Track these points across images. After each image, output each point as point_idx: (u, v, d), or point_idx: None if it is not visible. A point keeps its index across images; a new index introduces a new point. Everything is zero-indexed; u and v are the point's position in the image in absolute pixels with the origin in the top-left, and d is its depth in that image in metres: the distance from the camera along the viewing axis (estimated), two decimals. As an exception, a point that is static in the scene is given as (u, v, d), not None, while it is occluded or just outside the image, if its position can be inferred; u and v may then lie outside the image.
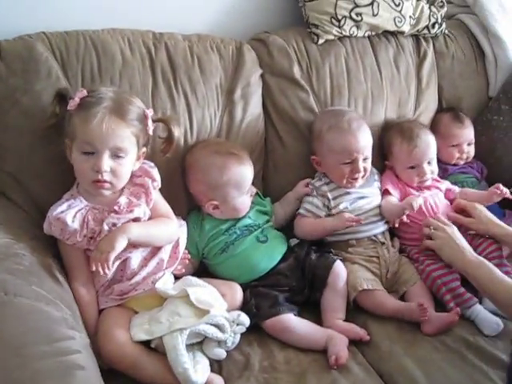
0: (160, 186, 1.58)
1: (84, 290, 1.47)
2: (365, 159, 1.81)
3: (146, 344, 1.42)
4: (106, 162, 1.40)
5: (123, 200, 1.50)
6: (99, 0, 1.76)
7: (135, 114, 1.46)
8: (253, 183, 1.80)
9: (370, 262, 1.78)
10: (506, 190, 1.90)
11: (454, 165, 2.12)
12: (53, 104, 1.47)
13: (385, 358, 1.55)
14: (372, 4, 1.94)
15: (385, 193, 1.91)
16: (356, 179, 1.81)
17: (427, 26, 2.08)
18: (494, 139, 2.13)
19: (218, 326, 1.46)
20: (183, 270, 1.61)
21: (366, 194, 1.85)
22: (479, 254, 1.72)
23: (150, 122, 1.51)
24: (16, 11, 1.68)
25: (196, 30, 1.87)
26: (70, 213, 1.44)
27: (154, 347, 1.41)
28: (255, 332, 1.59)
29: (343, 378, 1.47)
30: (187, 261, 1.64)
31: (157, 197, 1.58)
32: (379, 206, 1.85)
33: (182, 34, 1.81)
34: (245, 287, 1.67)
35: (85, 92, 1.44)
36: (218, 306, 1.49)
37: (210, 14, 1.95)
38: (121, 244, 1.40)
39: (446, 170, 2.10)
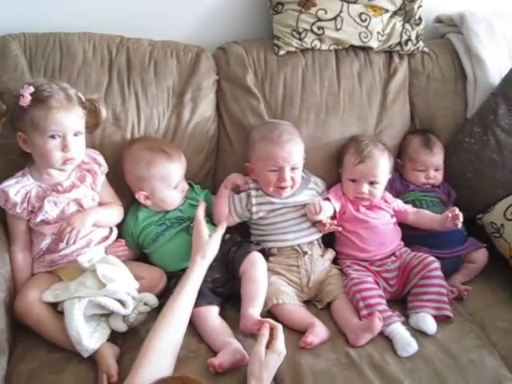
0: (107, 170, 1.80)
1: (21, 255, 1.72)
2: (293, 169, 1.87)
3: (55, 307, 1.61)
4: (72, 142, 1.65)
5: (66, 183, 1.72)
6: (86, 8, 1.99)
7: (77, 98, 1.69)
8: (204, 180, 1.98)
9: (289, 272, 1.84)
10: (460, 219, 1.87)
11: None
12: None
13: (284, 365, 1.57)
14: (335, 19, 1.99)
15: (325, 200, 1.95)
16: (283, 188, 1.87)
17: (399, 43, 2.08)
18: (465, 162, 2.09)
19: (121, 302, 1.61)
20: (123, 258, 1.78)
21: (293, 204, 1.91)
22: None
23: (84, 102, 1.72)
24: (5, 13, 1.93)
25: (171, 37, 2.03)
26: (15, 187, 1.68)
27: (59, 310, 1.60)
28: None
29: (231, 374, 1.54)
30: (122, 248, 1.82)
31: (105, 183, 1.81)
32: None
33: (151, 39, 1.97)
34: (173, 275, 1.80)
35: (31, 88, 1.65)
36: (121, 283, 1.63)
37: (186, 23, 2.11)
38: (90, 224, 1.69)
39: (407, 185, 2.10)
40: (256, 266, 1.76)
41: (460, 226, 1.88)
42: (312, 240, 1.90)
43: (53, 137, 1.63)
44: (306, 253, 1.87)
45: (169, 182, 1.81)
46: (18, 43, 1.84)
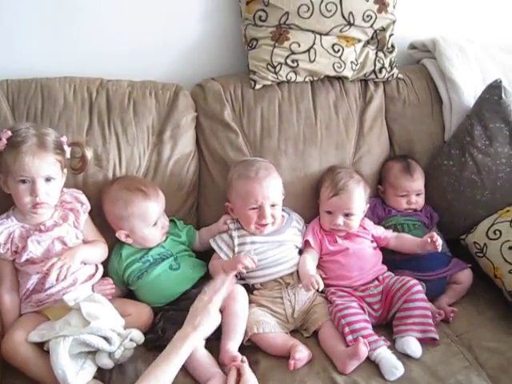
0: (89, 208, 1.84)
1: (8, 296, 1.75)
2: (273, 205, 1.90)
3: (41, 347, 1.64)
4: (42, 188, 1.68)
5: (49, 222, 1.77)
6: (67, 53, 2.06)
7: (54, 144, 1.74)
8: (187, 215, 2.01)
9: (273, 303, 1.86)
10: (438, 243, 1.90)
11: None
12: None
13: None
14: (309, 51, 2.04)
15: (305, 244, 1.99)
16: (264, 225, 1.90)
17: (374, 71, 2.13)
18: (445, 184, 2.12)
19: (106, 338, 1.63)
20: (110, 297, 1.81)
21: (275, 241, 1.94)
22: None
23: (65, 147, 1.78)
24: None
25: (150, 77, 2.08)
26: None
27: (46, 350, 1.62)
28: (160, 351, 1.71)
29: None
30: (110, 286, 1.84)
31: (89, 221, 1.85)
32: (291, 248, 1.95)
33: (130, 80, 2.03)
34: (159, 310, 1.84)
35: (9, 132, 1.71)
36: (106, 320, 1.65)
37: (165, 62, 2.16)
38: (79, 260, 1.74)
39: (389, 211, 2.12)
40: (237, 300, 1.78)
41: (440, 249, 1.90)
42: (294, 271, 1.92)
43: (23, 181, 1.67)
44: (288, 284, 1.89)
45: (147, 219, 1.85)
46: (0, 90, 1.90)
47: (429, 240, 1.90)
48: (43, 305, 1.74)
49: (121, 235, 1.86)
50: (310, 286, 1.80)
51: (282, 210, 1.98)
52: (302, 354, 1.67)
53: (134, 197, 1.83)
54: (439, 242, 1.90)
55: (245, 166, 1.93)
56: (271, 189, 1.89)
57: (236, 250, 1.91)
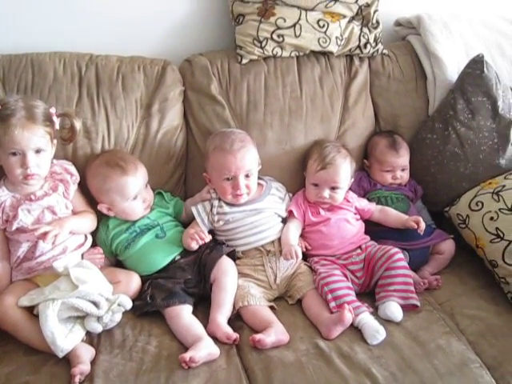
0: (79, 179, 1.89)
1: None
2: (247, 176, 1.94)
3: (31, 312, 1.68)
4: (32, 160, 1.73)
5: (40, 192, 1.81)
6: (57, 28, 2.10)
7: (43, 115, 1.78)
8: (175, 188, 2.07)
9: (255, 271, 1.91)
10: (421, 229, 1.96)
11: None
12: None
13: (254, 356, 1.66)
14: (294, 26, 2.08)
15: (289, 214, 2.03)
16: (239, 195, 1.94)
17: (359, 46, 2.17)
18: (429, 157, 2.16)
19: (95, 303, 1.67)
20: (99, 265, 1.85)
21: (253, 208, 1.98)
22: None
23: (55, 118, 1.81)
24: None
25: (139, 53, 2.12)
26: None
27: (35, 314, 1.66)
28: (147, 318, 1.78)
29: (204, 366, 1.61)
30: (100, 256, 1.89)
31: (78, 192, 1.90)
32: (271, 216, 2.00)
33: (119, 55, 2.06)
34: (147, 279, 1.88)
35: None
36: (94, 285, 1.70)
37: (154, 39, 2.20)
38: (68, 229, 1.77)
39: (375, 184, 2.16)
40: (226, 274, 1.84)
41: (422, 233, 1.96)
42: (274, 239, 1.96)
43: (13, 154, 1.72)
44: (269, 251, 1.94)
45: (125, 194, 1.88)
46: (-9, 64, 1.93)
47: (415, 226, 1.95)
48: (33, 272, 1.79)
49: (102, 208, 1.91)
50: (288, 256, 1.85)
51: (261, 178, 2.02)
52: (267, 337, 1.67)
53: (112, 172, 1.86)
54: (422, 231, 1.96)
55: (221, 137, 1.96)
56: (245, 161, 1.92)
57: (215, 218, 1.96)
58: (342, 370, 1.59)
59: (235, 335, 1.69)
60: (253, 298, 1.81)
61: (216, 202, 1.97)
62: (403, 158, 2.15)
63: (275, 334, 1.68)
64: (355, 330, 1.73)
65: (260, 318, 1.76)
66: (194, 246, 1.87)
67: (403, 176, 2.16)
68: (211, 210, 1.97)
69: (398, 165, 2.14)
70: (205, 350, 1.61)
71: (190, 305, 1.79)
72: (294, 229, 1.97)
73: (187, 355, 1.57)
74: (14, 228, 1.76)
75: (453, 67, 2.17)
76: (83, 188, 1.92)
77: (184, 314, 1.75)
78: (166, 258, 1.90)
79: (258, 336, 1.66)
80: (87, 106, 1.97)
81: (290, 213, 2.01)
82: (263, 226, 1.96)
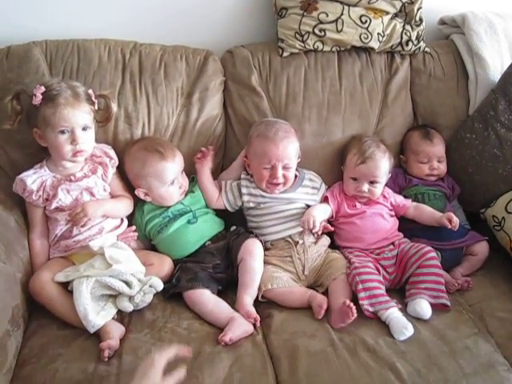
0: (117, 163, 1.94)
1: (38, 241, 1.87)
2: (285, 167, 1.96)
3: (66, 288, 1.74)
4: (81, 136, 1.79)
5: (79, 173, 1.88)
6: (104, 17, 2.16)
7: (86, 95, 1.84)
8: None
9: (284, 263, 1.93)
10: (454, 225, 1.95)
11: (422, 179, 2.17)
12: (11, 104, 1.84)
13: (280, 344, 1.68)
14: (336, 21, 2.09)
15: (324, 200, 2.05)
16: (275, 185, 1.97)
17: (400, 44, 2.16)
18: (467, 157, 2.14)
19: (127, 282, 1.73)
20: (133, 241, 1.93)
21: (285, 199, 2.01)
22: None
23: (93, 99, 1.86)
24: (29, 22, 2.10)
25: (182, 43, 2.16)
26: (32, 177, 1.84)
27: (70, 290, 1.73)
28: (177, 301, 1.83)
29: (229, 350, 1.64)
30: (132, 234, 1.94)
31: (116, 176, 1.95)
32: (301, 207, 2.02)
33: (163, 45, 2.11)
34: (178, 263, 1.93)
35: (43, 88, 1.80)
36: (127, 265, 1.75)
37: (197, 30, 2.22)
38: (100, 214, 1.84)
39: (411, 180, 2.16)
40: (253, 255, 1.86)
41: (455, 229, 1.95)
42: (303, 231, 1.97)
43: (62, 132, 1.78)
44: (297, 242, 1.95)
45: (163, 179, 1.92)
46: (40, 49, 2.00)
47: (447, 223, 1.94)
48: (70, 250, 1.85)
49: (140, 193, 1.95)
50: (306, 223, 1.87)
51: (296, 170, 2.03)
52: (324, 301, 1.74)
53: (151, 157, 1.91)
54: (456, 226, 1.94)
55: (266, 125, 1.99)
56: (287, 152, 1.94)
57: (245, 198, 2.01)
58: (367, 363, 1.60)
59: (255, 314, 1.73)
60: (280, 280, 1.84)
61: (246, 183, 2.02)
62: (438, 147, 2.15)
63: (324, 302, 1.76)
64: (381, 323, 1.74)
65: (297, 294, 1.82)
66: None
67: (440, 167, 2.15)
68: (239, 189, 2.02)
69: (434, 154, 2.14)
70: (239, 328, 1.67)
71: (213, 291, 1.82)
72: (322, 208, 1.99)
73: (227, 337, 1.62)
74: (53, 207, 1.83)
75: (496, 67, 2.15)
76: (122, 173, 1.98)
77: (208, 298, 1.79)
78: (197, 242, 1.95)
79: (318, 311, 1.74)
80: (129, 93, 2.02)
81: (325, 199, 2.03)
82: (293, 216, 1.98)
